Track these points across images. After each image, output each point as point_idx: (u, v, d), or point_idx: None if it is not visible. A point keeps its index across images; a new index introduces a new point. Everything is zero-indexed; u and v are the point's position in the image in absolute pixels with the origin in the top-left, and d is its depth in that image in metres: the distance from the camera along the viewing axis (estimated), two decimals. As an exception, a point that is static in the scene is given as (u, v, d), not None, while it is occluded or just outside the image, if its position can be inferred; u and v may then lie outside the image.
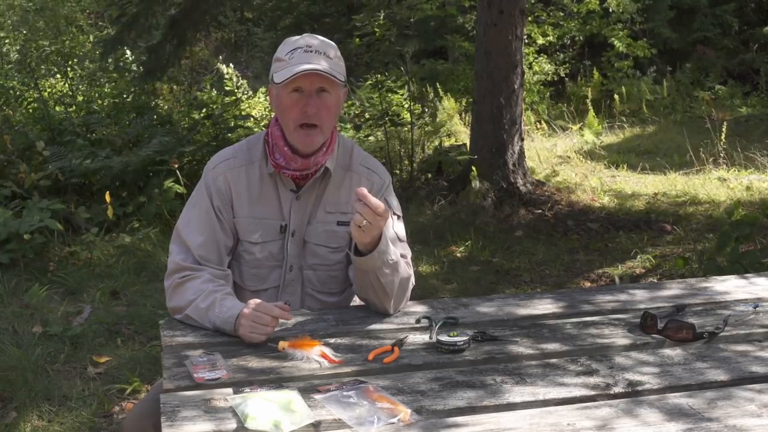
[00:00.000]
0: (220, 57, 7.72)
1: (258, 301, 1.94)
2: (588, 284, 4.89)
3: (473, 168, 6.43)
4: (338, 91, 2.10)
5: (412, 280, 2.17)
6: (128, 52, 7.70)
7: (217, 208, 2.14)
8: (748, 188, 6.95)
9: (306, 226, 2.17)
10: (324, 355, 1.80)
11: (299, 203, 2.16)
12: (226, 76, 7.45)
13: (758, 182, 7.03)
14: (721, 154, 7.61)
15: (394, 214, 2.19)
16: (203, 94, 7.82)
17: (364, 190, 1.89)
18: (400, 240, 2.17)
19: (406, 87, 7.75)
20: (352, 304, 2.30)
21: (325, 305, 2.22)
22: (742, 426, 1.50)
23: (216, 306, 1.98)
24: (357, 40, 7.81)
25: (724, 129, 7.75)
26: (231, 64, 7.77)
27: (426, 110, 7.79)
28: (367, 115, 7.60)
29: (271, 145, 2.15)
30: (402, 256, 2.11)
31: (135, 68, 7.71)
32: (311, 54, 2.05)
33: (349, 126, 7.74)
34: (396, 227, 2.17)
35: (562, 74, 11.02)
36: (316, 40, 2.10)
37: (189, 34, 6.89)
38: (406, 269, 2.11)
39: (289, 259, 2.17)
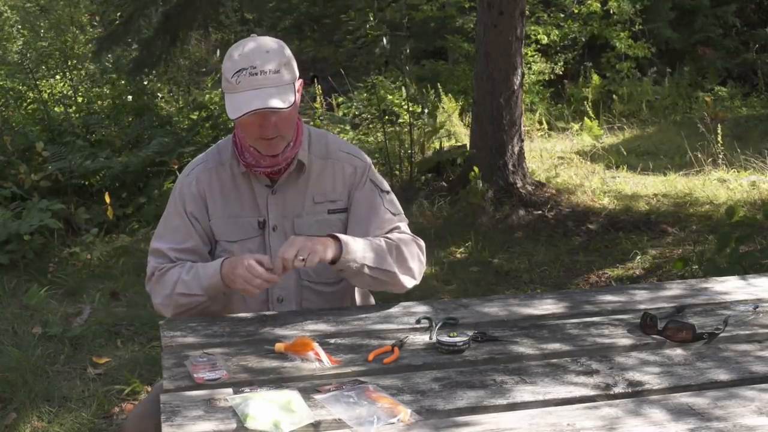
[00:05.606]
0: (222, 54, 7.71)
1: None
2: (588, 285, 4.89)
3: (474, 168, 6.42)
4: (292, 99, 2.01)
5: (419, 243, 2.19)
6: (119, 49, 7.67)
7: (190, 213, 2.16)
8: (753, 184, 6.92)
9: (294, 219, 2.17)
10: (319, 357, 1.79)
11: (276, 197, 2.17)
12: None
13: (759, 183, 7.02)
14: (720, 156, 7.61)
15: (382, 191, 2.21)
16: (201, 94, 7.79)
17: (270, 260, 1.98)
18: (393, 214, 2.20)
19: (404, 88, 7.74)
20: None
21: (323, 296, 2.22)
22: (744, 425, 1.50)
23: (199, 269, 2.07)
24: (348, 39, 7.80)
25: (721, 130, 7.74)
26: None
27: (425, 110, 7.76)
28: (363, 116, 7.59)
29: (240, 146, 2.15)
30: (396, 227, 2.17)
31: (126, 64, 7.67)
32: (257, 77, 1.97)
33: (348, 127, 7.73)
34: (386, 203, 2.20)
35: (560, 72, 11.02)
36: (258, 53, 1.99)
37: (182, 31, 6.87)
38: (395, 252, 2.11)
39: (273, 254, 2.11)
